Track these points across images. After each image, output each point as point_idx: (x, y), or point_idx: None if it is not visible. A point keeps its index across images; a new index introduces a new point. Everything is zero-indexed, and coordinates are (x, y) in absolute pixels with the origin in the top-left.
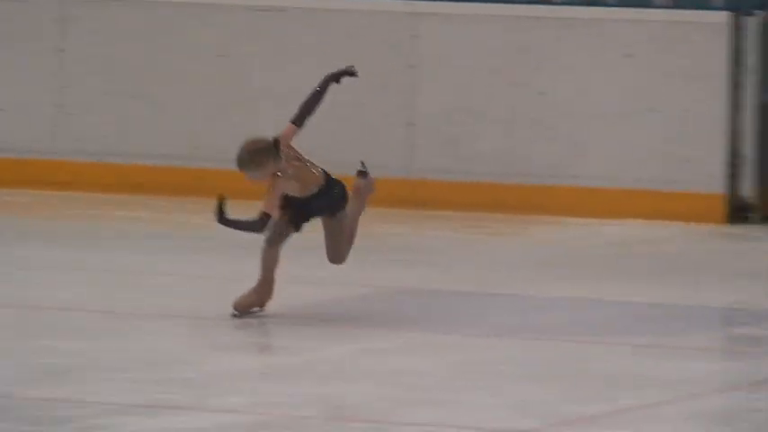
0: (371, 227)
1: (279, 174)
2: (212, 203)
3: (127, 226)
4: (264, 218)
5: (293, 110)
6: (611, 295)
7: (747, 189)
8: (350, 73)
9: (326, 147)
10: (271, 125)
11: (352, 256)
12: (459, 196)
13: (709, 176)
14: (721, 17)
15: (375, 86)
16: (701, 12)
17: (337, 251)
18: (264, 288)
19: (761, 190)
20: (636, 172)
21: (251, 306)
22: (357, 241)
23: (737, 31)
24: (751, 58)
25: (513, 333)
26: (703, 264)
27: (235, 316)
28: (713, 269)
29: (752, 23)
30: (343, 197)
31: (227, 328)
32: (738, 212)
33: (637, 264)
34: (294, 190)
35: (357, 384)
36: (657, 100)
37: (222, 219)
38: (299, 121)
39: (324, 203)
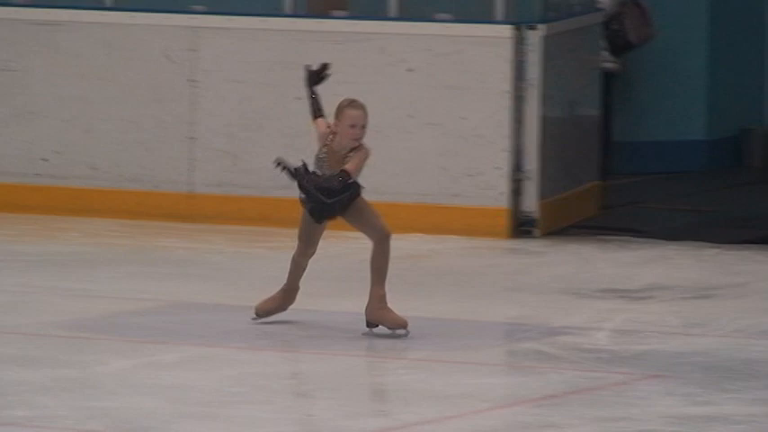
0: (151, 240)
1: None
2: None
3: None
4: (345, 176)
5: (78, 122)
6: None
7: (530, 203)
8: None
9: (109, 160)
10: (53, 139)
11: (131, 268)
12: (239, 210)
13: (492, 191)
14: (503, 31)
15: (154, 100)
16: (482, 25)
17: (376, 226)
18: (288, 294)
19: (543, 204)
20: (419, 186)
21: (272, 311)
22: (136, 255)
23: (520, 45)
24: (533, 72)
25: (292, 346)
26: (487, 278)
27: (254, 320)
28: (497, 283)
29: (534, 37)
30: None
31: (7, 340)
32: (521, 227)
33: (421, 278)
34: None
35: (139, 398)
36: (439, 114)
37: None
38: (320, 111)
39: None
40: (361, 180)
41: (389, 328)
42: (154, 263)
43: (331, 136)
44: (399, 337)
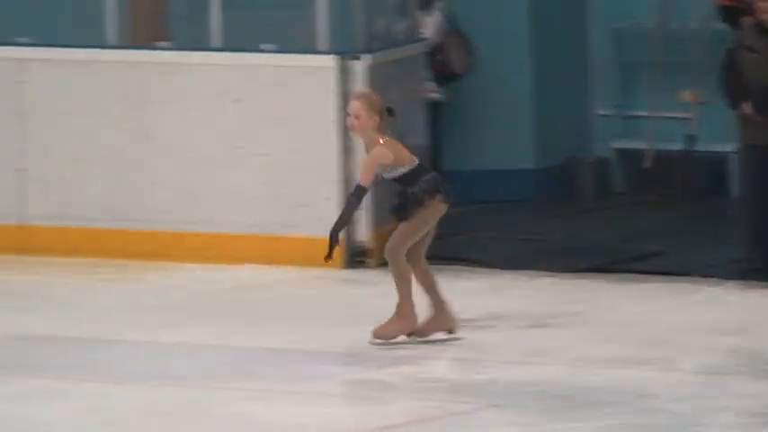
0: None
1: (381, 141)
2: None
3: None
4: (359, 191)
5: None
6: (231, 340)
7: (363, 233)
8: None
9: None
10: None
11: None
12: (72, 242)
13: (324, 221)
14: (328, 61)
15: None
16: (307, 56)
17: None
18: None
19: (377, 234)
20: (249, 217)
21: (393, 335)
22: None
23: (344, 75)
24: None
25: (135, 379)
26: (321, 308)
27: (375, 344)
28: (331, 313)
29: (358, 67)
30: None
31: None
32: (355, 257)
33: (256, 308)
34: (388, 160)
35: None
36: (267, 145)
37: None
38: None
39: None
40: (191, 210)
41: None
42: None
43: None
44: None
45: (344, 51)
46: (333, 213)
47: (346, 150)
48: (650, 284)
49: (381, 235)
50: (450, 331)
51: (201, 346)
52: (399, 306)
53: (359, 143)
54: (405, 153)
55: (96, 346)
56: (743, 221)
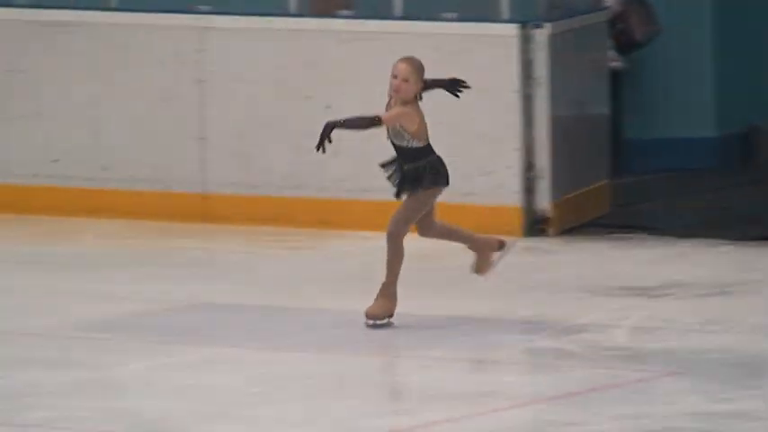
0: (166, 241)
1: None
2: None
3: None
4: (376, 120)
5: (87, 123)
6: (413, 309)
7: (543, 202)
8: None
9: (120, 161)
10: (63, 141)
11: (148, 270)
12: (251, 210)
13: (504, 189)
14: (510, 30)
15: (164, 100)
16: (488, 24)
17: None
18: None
19: (556, 203)
20: None
21: (381, 317)
22: (151, 256)
23: (526, 44)
24: (541, 71)
25: (310, 347)
26: (502, 277)
27: (371, 326)
28: (512, 282)
29: (540, 36)
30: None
31: (28, 343)
32: (535, 225)
33: (437, 277)
34: (412, 126)
35: (158, 399)
36: (449, 114)
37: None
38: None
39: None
40: (370, 178)
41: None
42: (171, 264)
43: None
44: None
45: (526, 20)
46: (515, 182)
47: (527, 119)
48: None
49: (561, 204)
50: (501, 246)
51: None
52: (386, 285)
53: (535, 112)
54: (425, 130)
55: (275, 314)
56: None
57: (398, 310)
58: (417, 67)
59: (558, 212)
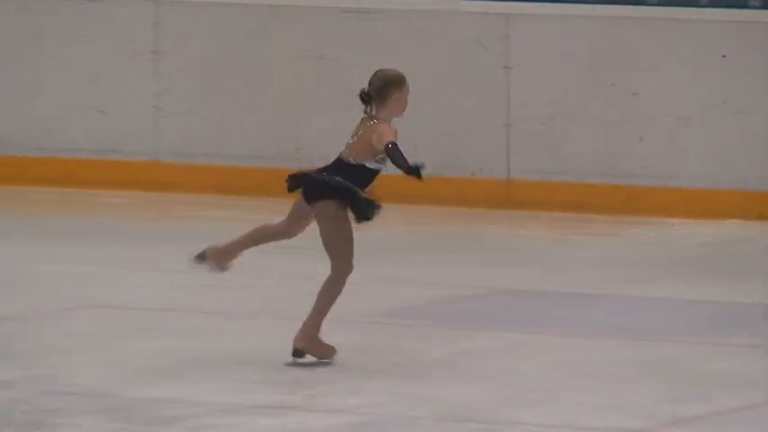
0: (468, 227)
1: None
2: None
3: (219, 226)
4: (395, 147)
5: None
6: (709, 296)
7: None
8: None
9: (425, 147)
10: None
11: (450, 255)
12: (555, 197)
13: None
14: None
15: (469, 87)
16: None
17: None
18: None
19: None
20: (730, 172)
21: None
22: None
23: None
24: None
25: (612, 333)
26: None
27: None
28: None
29: None
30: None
31: (330, 328)
32: None
33: (735, 264)
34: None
35: (463, 384)
36: (749, 101)
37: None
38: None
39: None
40: (674, 164)
41: (317, 358)
42: (474, 250)
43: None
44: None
45: None
46: None
47: None
48: None
49: None
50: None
51: (678, 301)
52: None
53: None
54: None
55: (575, 300)
56: None
57: (694, 296)
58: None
59: None
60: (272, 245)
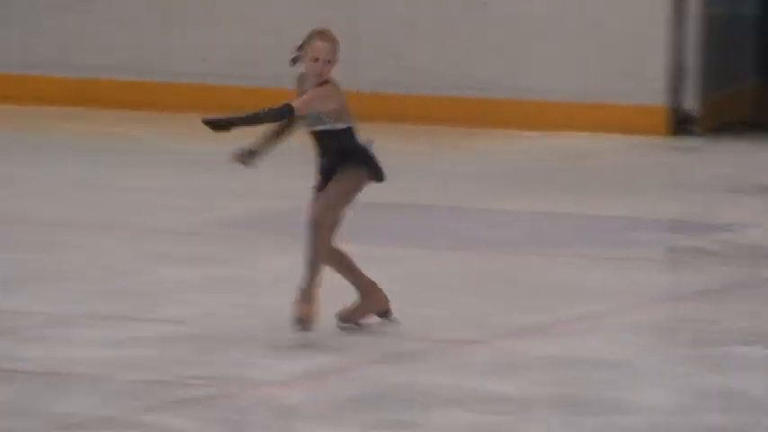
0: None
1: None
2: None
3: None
4: (286, 110)
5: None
6: (559, 208)
7: (690, 101)
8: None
9: None
10: (227, 42)
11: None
12: (398, 109)
13: (652, 89)
14: None
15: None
16: None
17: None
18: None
19: (704, 102)
20: (579, 85)
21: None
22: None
23: None
24: None
25: (459, 245)
26: (648, 176)
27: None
28: (658, 181)
29: None
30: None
31: (167, 239)
32: (682, 125)
33: (583, 176)
34: (330, 105)
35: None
36: (599, 13)
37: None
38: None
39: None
40: (522, 77)
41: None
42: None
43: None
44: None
45: None
46: (663, 82)
47: (678, 17)
48: None
49: (709, 102)
50: (384, 314)
51: (525, 214)
52: (305, 291)
53: (686, 10)
54: (347, 109)
55: (423, 213)
56: None
57: (545, 208)
58: (337, 42)
59: (705, 111)
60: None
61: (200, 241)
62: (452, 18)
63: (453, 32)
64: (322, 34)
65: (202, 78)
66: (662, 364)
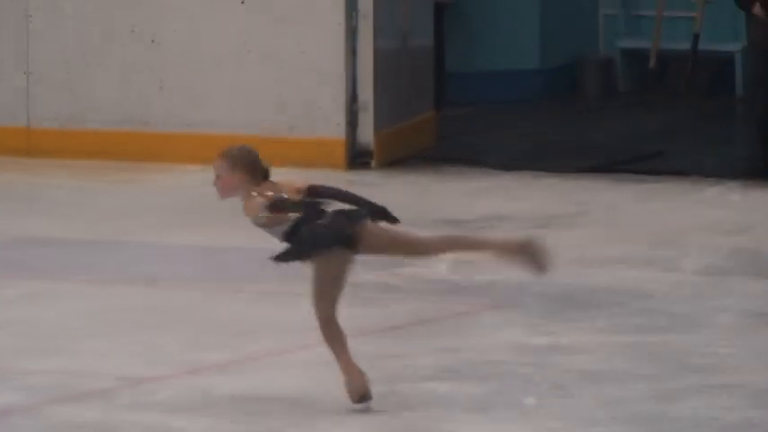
0: None
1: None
2: None
3: None
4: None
5: None
6: (231, 242)
7: (366, 135)
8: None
9: None
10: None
11: None
12: (77, 145)
13: (328, 123)
14: None
15: None
16: None
17: None
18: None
19: (379, 135)
20: (254, 118)
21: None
22: None
23: None
24: (365, 3)
25: (132, 280)
26: None
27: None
28: None
29: None
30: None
31: None
32: (358, 158)
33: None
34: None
35: None
36: (273, 46)
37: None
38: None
39: None
40: (195, 112)
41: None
42: None
43: None
44: None
45: None
46: (339, 115)
47: (352, 52)
48: (653, 184)
49: (384, 136)
50: (362, 399)
51: (195, 248)
52: (343, 369)
53: (359, 44)
54: (284, 213)
55: (96, 247)
56: (748, 121)
57: (218, 243)
58: (231, 158)
59: (381, 145)
60: None
61: None
62: (122, 52)
63: (124, 67)
64: (222, 150)
65: None
66: (347, 401)
